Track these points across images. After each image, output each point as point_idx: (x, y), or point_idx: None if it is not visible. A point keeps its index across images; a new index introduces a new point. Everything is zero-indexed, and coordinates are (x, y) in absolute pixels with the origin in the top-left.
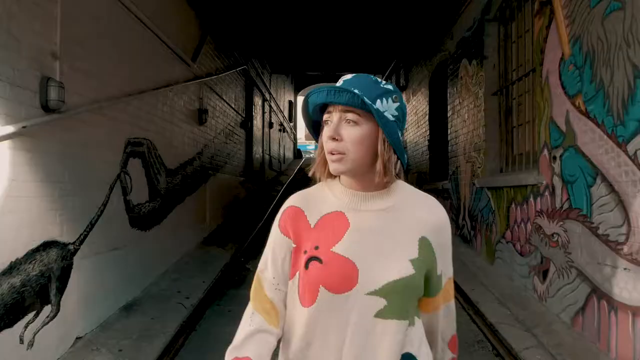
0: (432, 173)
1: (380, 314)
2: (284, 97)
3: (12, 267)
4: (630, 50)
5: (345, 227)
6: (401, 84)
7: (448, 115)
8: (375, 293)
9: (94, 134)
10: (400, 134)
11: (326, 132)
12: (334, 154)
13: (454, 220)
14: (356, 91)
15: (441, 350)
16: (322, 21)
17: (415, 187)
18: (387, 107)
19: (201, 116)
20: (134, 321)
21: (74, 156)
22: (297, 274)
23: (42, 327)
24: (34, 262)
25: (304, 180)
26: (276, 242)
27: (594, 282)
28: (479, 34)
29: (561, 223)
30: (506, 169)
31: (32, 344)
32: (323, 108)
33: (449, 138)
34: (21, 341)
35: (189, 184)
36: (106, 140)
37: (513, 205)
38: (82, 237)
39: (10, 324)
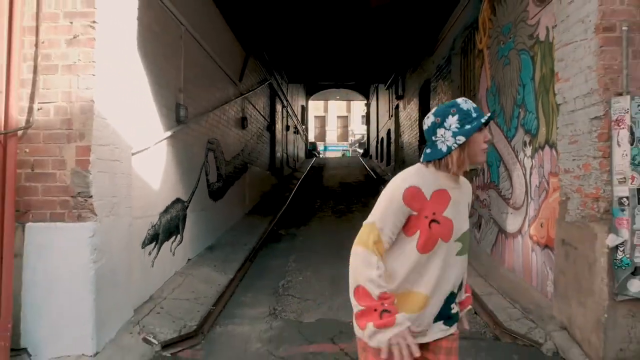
0: None
1: (458, 253)
2: (298, 102)
3: (166, 209)
4: (512, 89)
5: (448, 199)
6: (399, 94)
7: None
8: (458, 240)
9: (195, 136)
10: None
11: (484, 135)
12: (485, 153)
13: None
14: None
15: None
16: (332, 40)
17: None
18: None
19: (243, 122)
20: (216, 254)
21: (187, 149)
22: (418, 232)
23: (177, 247)
24: (173, 208)
25: (315, 176)
26: (397, 209)
27: (499, 224)
28: (448, 63)
29: (487, 192)
30: None
31: (174, 254)
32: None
33: None
34: (170, 250)
35: (236, 172)
36: (199, 140)
37: None
38: (189, 198)
39: (167, 239)
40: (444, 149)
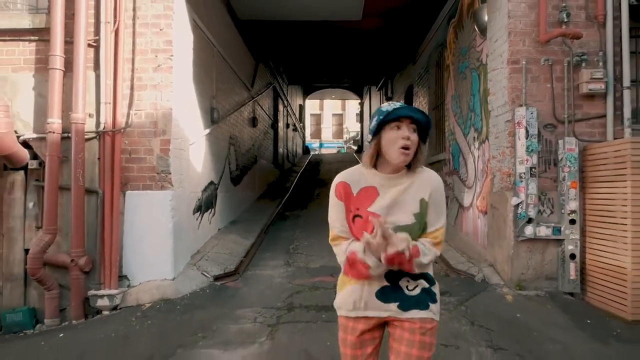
0: None
1: None
2: (296, 101)
3: (205, 188)
4: (467, 97)
5: (375, 195)
6: (388, 95)
7: None
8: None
9: (222, 133)
10: None
11: (400, 133)
12: (407, 149)
13: None
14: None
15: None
16: (328, 50)
17: None
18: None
19: (254, 121)
20: (238, 226)
21: (217, 143)
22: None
23: (212, 217)
24: (209, 188)
25: (312, 171)
26: (335, 203)
27: (459, 201)
28: (426, 72)
29: (451, 177)
30: (437, 152)
31: (210, 222)
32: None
33: None
34: (208, 219)
35: (249, 164)
36: (224, 136)
37: (437, 172)
38: (218, 182)
39: (207, 210)
40: (366, 147)
